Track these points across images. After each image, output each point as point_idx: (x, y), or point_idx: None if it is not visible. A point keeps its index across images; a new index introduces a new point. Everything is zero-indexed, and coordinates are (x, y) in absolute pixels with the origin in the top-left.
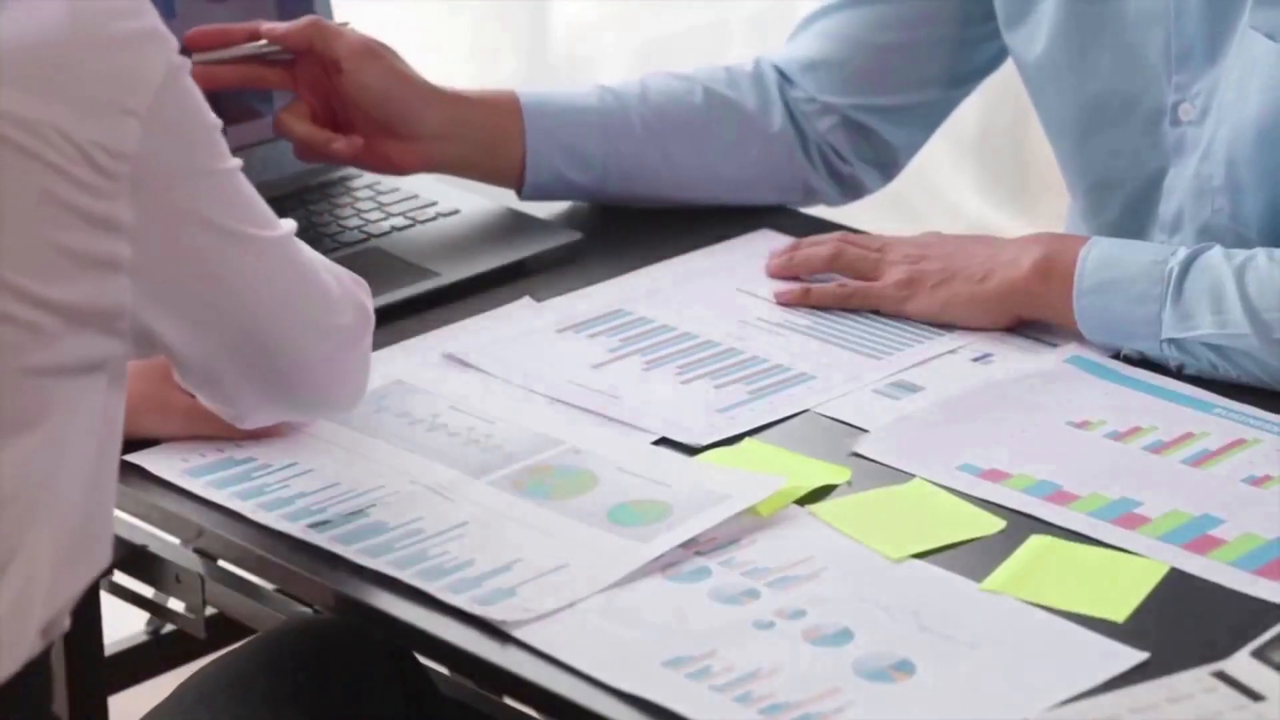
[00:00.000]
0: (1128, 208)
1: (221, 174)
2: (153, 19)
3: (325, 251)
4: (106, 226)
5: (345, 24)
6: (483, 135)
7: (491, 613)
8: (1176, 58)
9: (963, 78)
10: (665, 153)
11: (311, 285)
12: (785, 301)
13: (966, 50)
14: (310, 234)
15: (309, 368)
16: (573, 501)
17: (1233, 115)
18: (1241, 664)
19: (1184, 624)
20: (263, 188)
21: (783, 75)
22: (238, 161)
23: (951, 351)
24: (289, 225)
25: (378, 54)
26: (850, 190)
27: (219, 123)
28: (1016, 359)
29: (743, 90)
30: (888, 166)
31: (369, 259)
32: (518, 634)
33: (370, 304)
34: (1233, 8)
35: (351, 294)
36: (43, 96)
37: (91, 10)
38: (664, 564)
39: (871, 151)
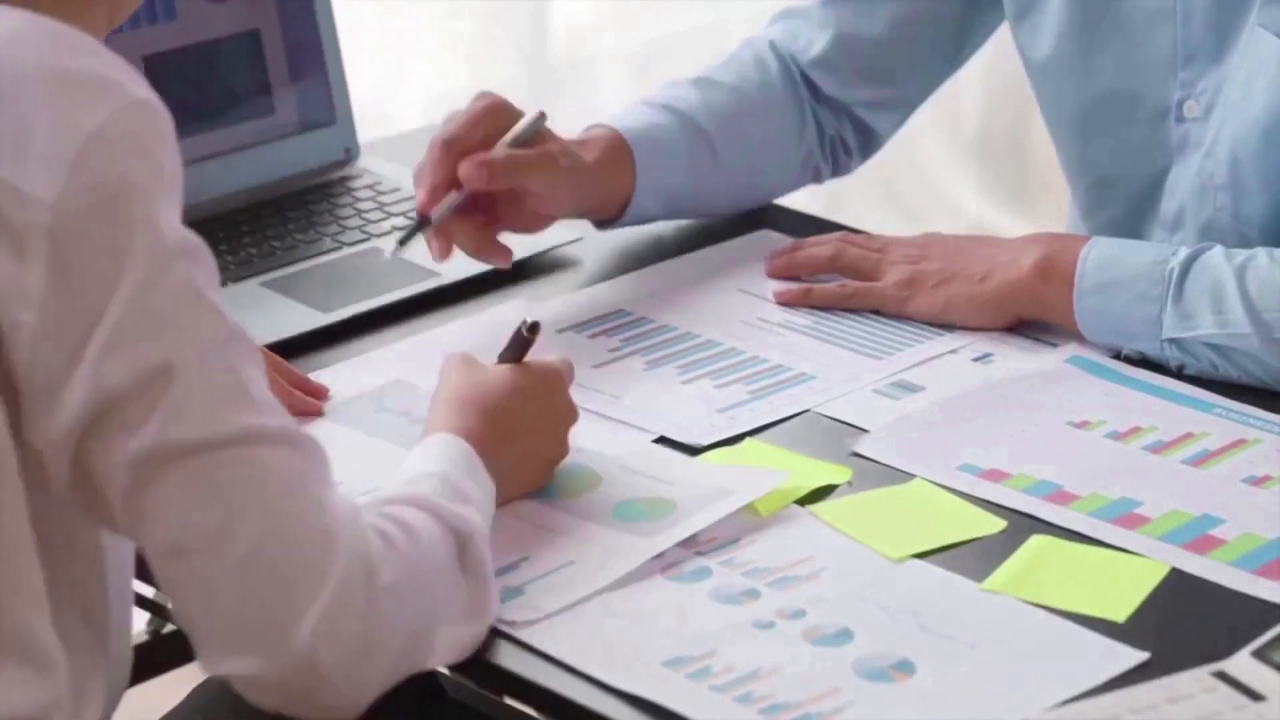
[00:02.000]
0: (1129, 205)
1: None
2: (106, 66)
3: (324, 252)
4: (10, 281)
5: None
6: (604, 197)
7: (501, 613)
8: (1183, 55)
9: (959, 60)
10: (730, 177)
11: (284, 487)
12: (786, 301)
13: (966, 35)
14: (310, 234)
15: (268, 607)
16: (577, 500)
17: (1238, 113)
18: (1241, 664)
19: (1184, 624)
20: (262, 189)
21: (802, 72)
22: (192, 279)
23: (952, 351)
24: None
25: (560, 173)
26: (835, 174)
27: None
28: (1016, 359)
29: (784, 100)
30: (872, 150)
31: (369, 259)
32: (518, 634)
33: (397, 568)
34: (1241, 5)
35: (357, 540)
36: None
37: (37, 35)
38: (664, 564)
39: (863, 140)
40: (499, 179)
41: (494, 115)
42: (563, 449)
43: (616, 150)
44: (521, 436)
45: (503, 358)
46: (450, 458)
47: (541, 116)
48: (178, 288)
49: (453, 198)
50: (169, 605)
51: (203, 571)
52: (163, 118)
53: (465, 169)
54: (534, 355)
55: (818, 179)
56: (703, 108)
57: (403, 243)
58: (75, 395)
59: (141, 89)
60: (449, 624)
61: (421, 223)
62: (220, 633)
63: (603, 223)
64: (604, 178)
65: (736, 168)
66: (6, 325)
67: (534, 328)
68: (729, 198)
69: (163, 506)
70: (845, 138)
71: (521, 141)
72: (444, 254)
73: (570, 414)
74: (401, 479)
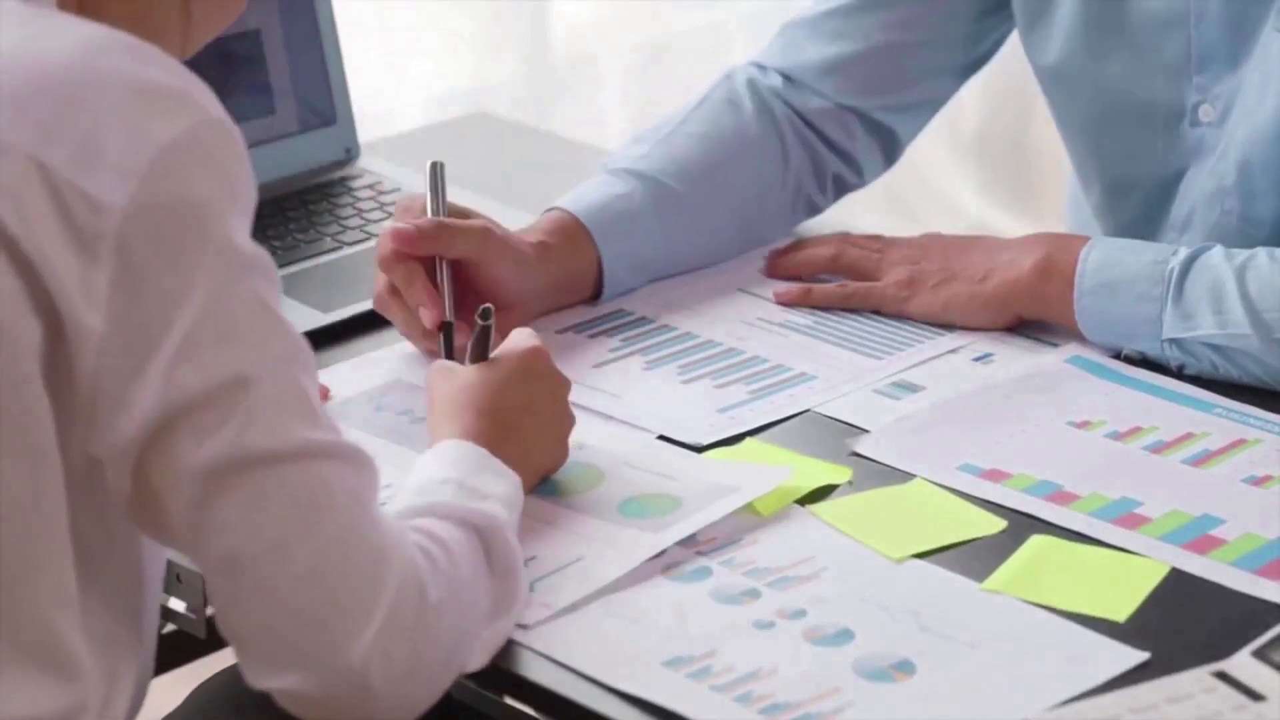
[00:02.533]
0: (1145, 207)
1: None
2: (185, 82)
3: (324, 252)
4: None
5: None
6: (567, 279)
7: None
8: (1198, 59)
9: (974, 64)
10: (710, 233)
11: (339, 503)
12: (786, 301)
13: (980, 38)
14: (310, 234)
15: (322, 624)
16: (581, 497)
17: (1251, 116)
18: (1241, 664)
19: (1184, 624)
20: (262, 189)
21: (792, 84)
22: (261, 294)
23: (952, 351)
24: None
25: (497, 240)
26: (842, 194)
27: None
28: (1017, 359)
29: (761, 142)
30: (895, 154)
31: (370, 259)
32: (519, 634)
33: (441, 586)
34: (1256, 10)
35: (408, 561)
36: (32, 125)
37: (118, 47)
38: (665, 564)
39: (884, 155)
40: (427, 243)
41: (409, 209)
42: (569, 419)
43: (568, 229)
44: (523, 424)
45: (472, 356)
46: (458, 461)
47: (434, 167)
48: (249, 300)
49: (445, 289)
50: (167, 605)
51: (261, 585)
52: (237, 139)
53: (392, 238)
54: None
55: (814, 213)
56: (670, 165)
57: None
58: (145, 401)
59: (218, 109)
60: (483, 626)
61: (447, 328)
62: (272, 648)
63: (584, 303)
64: (555, 257)
65: (714, 222)
66: (72, 329)
67: (486, 313)
68: (712, 251)
69: (227, 517)
70: (855, 155)
71: (440, 204)
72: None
73: (562, 384)
74: (413, 488)
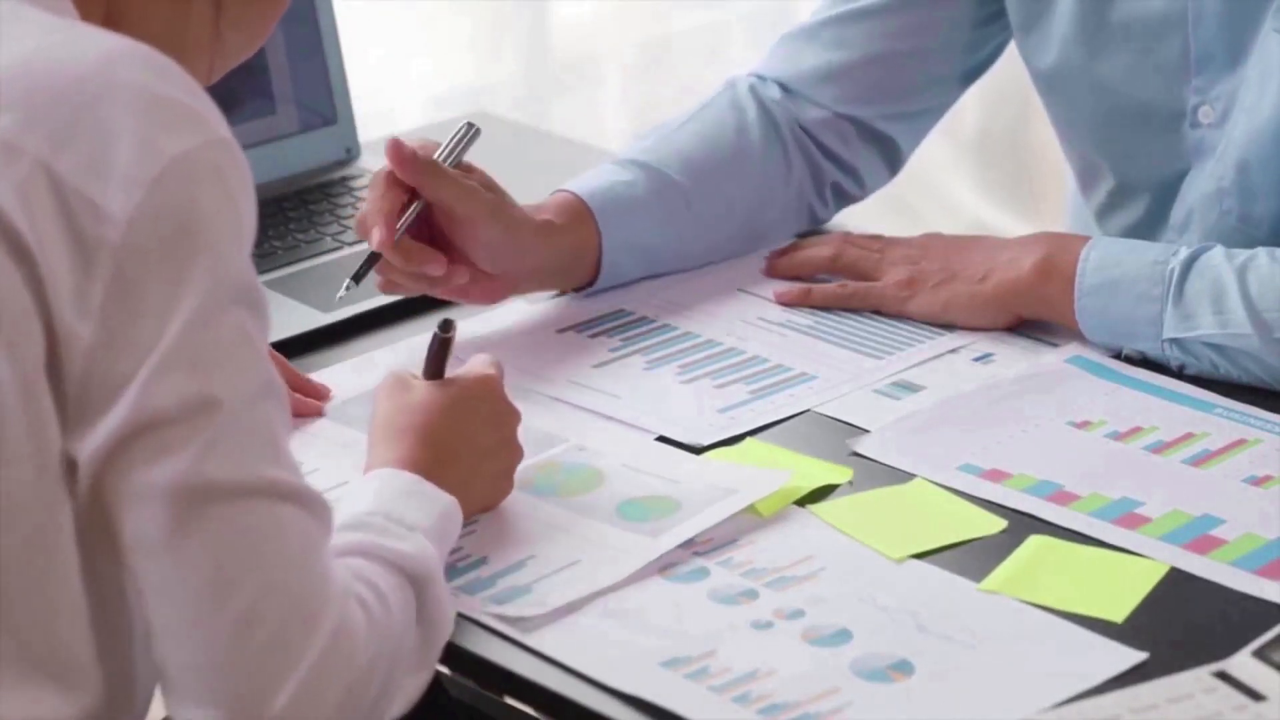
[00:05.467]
0: (1146, 210)
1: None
2: (199, 102)
3: (324, 252)
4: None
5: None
6: (567, 260)
7: (508, 610)
8: (1197, 61)
9: (974, 72)
10: (709, 228)
11: (290, 545)
12: (786, 301)
13: (979, 46)
14: (310, 234)
15: (251, 657)
16: (581, 498)
17: (1250, 117)
18: (1242, 664)
19: (1184, 624)
20: (263, 189)
21: (790, 94)
22: (246, 326)
23: (952, 351)
24: (285, 480)
25: (485, 201)
26: (843, 204)
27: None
28: (1017, 359)
29: (763, 146)
30: (898, 164)
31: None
32: (519, 633)
33: (372, 644)
34: (1254, 11)
35: (345, 617)
36: (45, 131)
37: (138, 60)
38: (663, 564)
39: (886, 165)
40: (416, 174)
41: (425, 148)
42: (516, 453)
43: (573, 210)
44: (463, 455)
45: (427, 370)
46: (389, 492)
47: (468, 126)
48: (233, 328)
49: (404, 218)
50: None
51: (196, 620)
52: (244, 165)
53: (388, 150)
54: (467, 360)
55: (815, 220)
56: (674, 159)
57: (358, 279)
58: (118, 411)
59: (228, 133)
60: (405, 678)
61: (373, 258)
62: (196, 683)
63: (580, 288)
64: (558, 236)
65: (716, 218)
66: (64, 335)
67: (447, 325)
68: (712, 248)
69: (175, 544)
70: (854, 165)
71: (456, 158)
72: (386, 286)
73: (512, 416)
74: (344, 520)
